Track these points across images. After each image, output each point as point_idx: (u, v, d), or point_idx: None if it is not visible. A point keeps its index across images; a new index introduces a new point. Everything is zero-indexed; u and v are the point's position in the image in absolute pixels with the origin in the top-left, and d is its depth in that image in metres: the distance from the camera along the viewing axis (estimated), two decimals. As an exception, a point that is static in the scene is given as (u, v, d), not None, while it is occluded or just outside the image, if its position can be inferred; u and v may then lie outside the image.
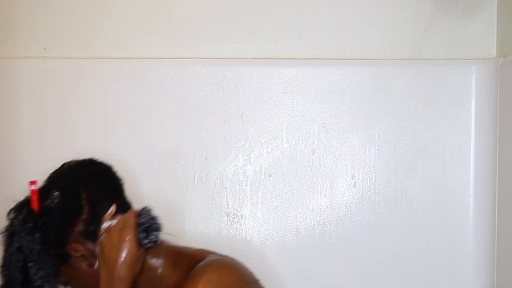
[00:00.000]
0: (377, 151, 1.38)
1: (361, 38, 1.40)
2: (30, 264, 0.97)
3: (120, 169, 1.39)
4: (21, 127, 1.42)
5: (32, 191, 1.01)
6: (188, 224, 1.39)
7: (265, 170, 1.38)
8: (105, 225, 0.99)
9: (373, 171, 1.38)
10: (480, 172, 1.36)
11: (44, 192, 1.01)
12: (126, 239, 0.96)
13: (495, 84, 1.33)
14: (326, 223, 1.39)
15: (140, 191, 1.40)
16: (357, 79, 1.38)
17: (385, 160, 1.38)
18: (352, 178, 1.38)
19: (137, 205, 1.33)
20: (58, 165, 1.40)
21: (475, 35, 1.39)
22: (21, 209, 1.01)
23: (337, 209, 1.39)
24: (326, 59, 1.40)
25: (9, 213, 1.02)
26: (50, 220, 0.99)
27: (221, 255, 1.03)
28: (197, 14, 1.42)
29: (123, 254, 0.95)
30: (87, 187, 1.03)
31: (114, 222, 0.98)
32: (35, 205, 1.00)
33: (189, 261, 1.01)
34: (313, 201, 1.39)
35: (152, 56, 1.42)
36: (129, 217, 0.99)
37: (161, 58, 1.42)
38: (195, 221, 1.37)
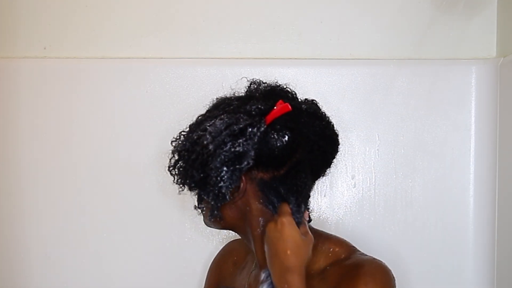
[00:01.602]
0: (377, 151, 1.38)
1: (361, 38, 1.40)
2: (225, 169, 0.93)
3: (120, 169, 1.39)
4: (21, 127, 1.42)
5: (283, 107, 0.94)
6: (188, 224, 1.39)
7: (265, 170, 1.38)
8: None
9: (373, 171, 1.38)
10: (480, 172, 1.36)
11: (280, 122, 0.94)
12: (285, 227, 0.92)
13: (495, 84, 1.33)
14: (326, 223, 1.39)
15: (140, 191, 1.40)
16: (357, 79, 1.38)
17: (385, 160, 1.38)
18: (352, 178, 1.38)
19: (135, 205, 1.33)
20: (57, 164, 1.41)
21: (475, 35, 1.39)
22: (260, 117, 0.94)
23: (337, 209, 1.39)
24: (326, 59, 1.40)
25: (242, 112, 0.95)
26: (267, 146, 0.94)
27: (373, 257, 1.01)
28: (197, 14, 1.42)
29: (287, 244, 0.92)
30: (309, 157, 0.97)
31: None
32: (270, 118, 0.94)
33: (334, 251, 1.01)
34: (313, 201, 1.38)
35: (152, 56, 1.42)
36: (283, 206, 0.96)
37: (161, 58, 1.42)
38: (195, 221, 1.37)
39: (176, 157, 0.99)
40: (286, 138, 0.94)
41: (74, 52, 1.43)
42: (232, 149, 0.92)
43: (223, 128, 0.93)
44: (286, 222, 0.93)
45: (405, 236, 1.37)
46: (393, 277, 0.98)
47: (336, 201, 1.38)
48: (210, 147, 0.93)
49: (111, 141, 1.40)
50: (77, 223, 1.41)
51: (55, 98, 1.41)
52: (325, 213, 1.39)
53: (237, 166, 0.93)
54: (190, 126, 1.01)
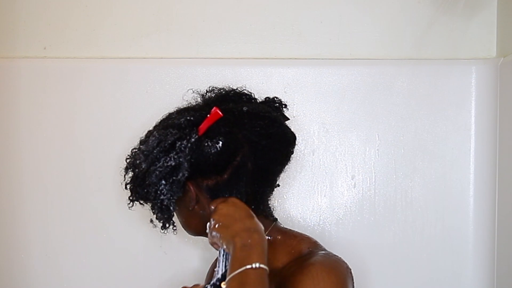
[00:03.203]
0: (377, 151, 1.38)
1: (361, 38, 1.40)
2: (163, 182, 0.97)
3: (120, 169, 1.39)
4: (21, 127, 1.42)
5: (214, 115, 0.96)
6: (188, 224, 1.39)
7: (265, 170, 1.38)
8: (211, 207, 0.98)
9: (373, 171, 1.38)
10: (480, 172, 1.36)
11: (214, 129, 0.97)
12: (237, 201, 0.96)
13: (495, 84, 1.33)
14: (326, 223, 1.39)
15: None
16: (357, 79, 1.38)
17: (385, 160, 1.38)
18: (352, 179, 1.38)
19: (135, 205, 1.32)
20: (58, 164, 1.41)
21: (475, 35, 1.39)
22: (190, 128, 0.97)
23: (337, 209, 1.39)
24: (326, 59, 1.40)
25: (172, 126, 0.99)
26: (202, 154, 0.96)
27: (329, 252, 1.00)
28: (197, 14, 1.42)
29: (246, 211, 0.94)
30: (253, 157, 0.99)
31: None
32: (202, 127, 0.97)
33: (294, 249, 1.00)
34: (313, 201, 1.39)
35: (152, 56, 1.42)
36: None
37: (161, 58, 1.42)
38: (195, 221, 1.37)
39: (129, 174, 1.05)
40: (220, 144, 0.96)
41: (74, 52, 1.43)
42: (165, 164, 0.96)
43: (155, 145, 0.98)
44: (237, 200, 0.97)
45: (405, 236, 1.37)
46: (347, 273, 0.96)
47: (336, 201, 1.38)
48: (143, 165, 0.99)
49: (111, 141, 1.40)
50: (77, 223, 1.41)
51: (55, 98, 1.41)
52: (325, 213, 1.39)
53: (174, 178, 0.97)
54: (140, 142, 1.05)
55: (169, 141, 0.96)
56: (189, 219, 1.03)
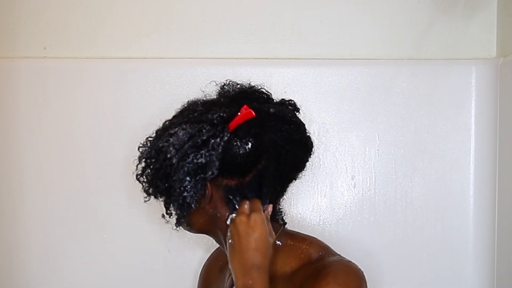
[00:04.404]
0: (377, 151, 1.38)
1: (361, 38, 1.40)
2: (188, 179, 0.93)
3: (120, 169, 1.39)
4: (21, 127, 1.42)
5: (246, 114, 0.93)
6: (188, 224, 1.39)
7: (265, 170, 1.38)
8: (230, 216, 0.95)
9: (373, 171, 1.38)
10: (480, 172, 1.36)
11: (243, 128, 0.93)
12: (258, 225, 0.91)
13: (495, 84, 1.33)
14: (326, 223, 1.39)
15: (140, 191, 1.40)
16: (357, 79, 1.38)
17: (385, 160, 1.38)
18: (352, 179, 1.38)
19: (135, 205, 1.33)
20: (58, 164, 1.41)
21: (475, 35, 1.39)
22: (222, 125, 0.93)
23: (337, 209, 1.39)
24: (326, 59, 1.40)
25: (205, 121, 0.94)
26: (230, 154, 0.93)
27: (341, 258, 0.98)
28: (197, 14, 1.42)
29: (258, 242, 0.90)
30: (276, 162, 0.96)
31: (235, 214, 0.94)
32: (233, 125, 0.93)
33: (306, 252, 0.99)
34: (313, 201, 1.39)
35: (152, 56, 1.42)
36: (256, 203, 0.95)
37: (161, 58, 1.42)
38: (195, 221, 1.37)
39: (143, 164, 0.99)
40: (249, 145, 0.93)
41: (74, 52, 1.43)
42: (195, 160, 0.92)
43: (186, 139, 0.93)
44: (259, 220, 0.92)
45: (405, 236, 1.37)
46: (362, 278, 0.95)
47: (336, 201, 1.38)
48: (174, 160, 0.93)
49: (111, 141, 1.40)
50: (77, 223, 1.41)
51: (55, 98, 1.41)
52: (325, 213, 1.39)
53: (202, 176, 0.93)
54: (156, 131, 1.01)
55: (203, 137, 0.92)
56: (196, 216, 0.99)
